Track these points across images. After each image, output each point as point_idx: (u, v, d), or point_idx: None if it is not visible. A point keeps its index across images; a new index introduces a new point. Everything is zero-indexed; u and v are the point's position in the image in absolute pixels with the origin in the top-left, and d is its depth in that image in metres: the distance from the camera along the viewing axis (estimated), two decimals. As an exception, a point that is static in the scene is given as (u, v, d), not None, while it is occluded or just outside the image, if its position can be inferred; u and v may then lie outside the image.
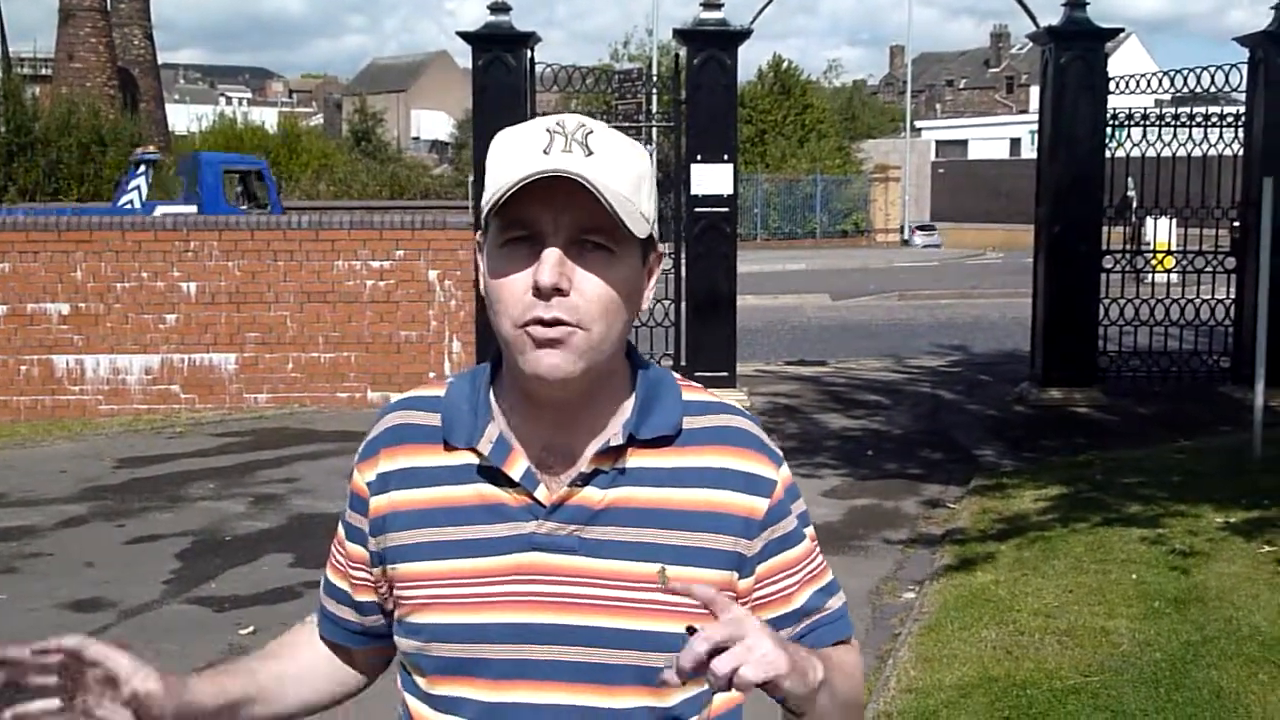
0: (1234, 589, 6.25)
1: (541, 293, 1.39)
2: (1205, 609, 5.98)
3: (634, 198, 1.42)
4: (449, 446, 1.51)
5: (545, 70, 12.65)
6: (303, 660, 1.71)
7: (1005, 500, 8.51)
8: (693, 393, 1.56)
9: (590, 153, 1.40)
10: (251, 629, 6.33)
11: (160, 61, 42.83)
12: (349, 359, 12.54)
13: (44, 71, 38.64)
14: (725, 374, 12.28)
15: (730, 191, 12.37)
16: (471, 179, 15.47)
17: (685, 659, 1.25)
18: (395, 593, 1.54)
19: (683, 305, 12.56)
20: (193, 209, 21.97)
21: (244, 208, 23.20)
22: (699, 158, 12.28)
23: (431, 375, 12.23)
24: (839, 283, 27.31)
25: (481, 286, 1.47)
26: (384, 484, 1.54)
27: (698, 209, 12.34)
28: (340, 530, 1.63)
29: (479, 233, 1.50)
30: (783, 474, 1.54)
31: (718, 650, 1.25)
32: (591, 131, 1.42)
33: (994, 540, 7.47)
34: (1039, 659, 5.49)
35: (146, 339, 12.44)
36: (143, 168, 23.40)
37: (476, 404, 1.52)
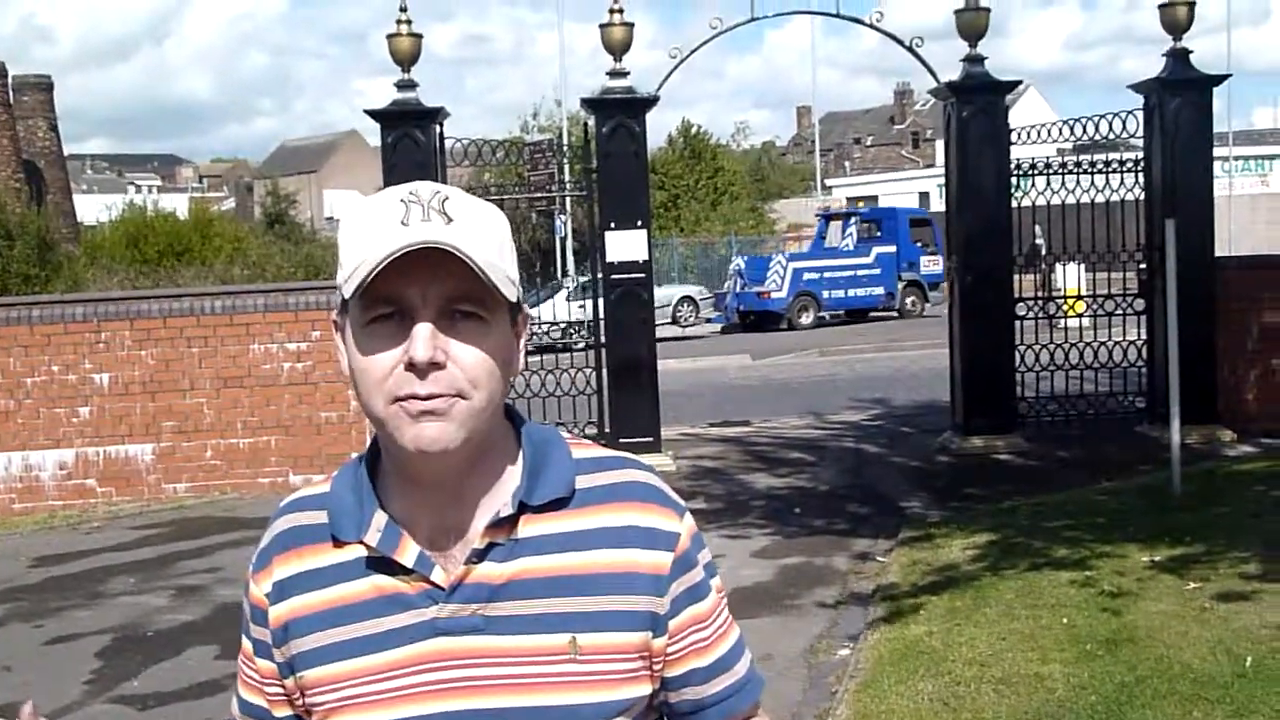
0: (1163, 627, 6.30)
1: (417, 369, 1.34)
2: (1137, 649, 6.02)
3: (500, 262, 1.38)
4: (338, 542, 1.47)
5: (455, 145, 12.68)
6: None
7: (934, 550, 8.54)
8: (583, 449, 1.52)
9: (450, 220, 1.36)
10: (177, 726, 6.16)
11: (67, 152, 42.38)
12: (269, 443, 12.37)
13: (-54, 167, 38.06)
14: (650, 439, 12.27)
15: (645, 257, 12.43)
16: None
17: None
18: (307, 700, 1.48)
19: (604, 372, 12.56)
20: (893, 248, 32.31)
21: (921, 246, 33.02)
22: (612, 225, 12.34)
23: (353, 456, 12.08)
24: (759, 343, 27.46)
25: (344, 367, 1.42)
26: (281, 592, 1.49)
27: (614, 276, 12.38)
28: (247, 644, 1.57)
29: (334, 312, 1.45)
30: (686, 524, 1.50)
31: None
32: (448, 198, 1.38)
33: (925, 592, 7.49)
34: (976, 709, 5.49)
35: (59, 433, 12.18)
36: (849, 219, 34.00)
37: (361, 494, 1.47)
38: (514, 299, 1.41)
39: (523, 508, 1.43)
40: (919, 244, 33.26)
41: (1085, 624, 6.46)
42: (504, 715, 1.40)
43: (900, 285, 32.70)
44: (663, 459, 12.11)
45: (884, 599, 7.57)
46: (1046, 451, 12.31)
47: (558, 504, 1.45)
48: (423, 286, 1.34)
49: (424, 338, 1.34)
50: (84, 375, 12.21)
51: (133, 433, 12.26)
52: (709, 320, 33.56)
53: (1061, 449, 12.41)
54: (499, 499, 1.44)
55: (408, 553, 1.43)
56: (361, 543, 1.45)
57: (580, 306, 15.54)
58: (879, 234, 33.32)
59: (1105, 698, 5.45)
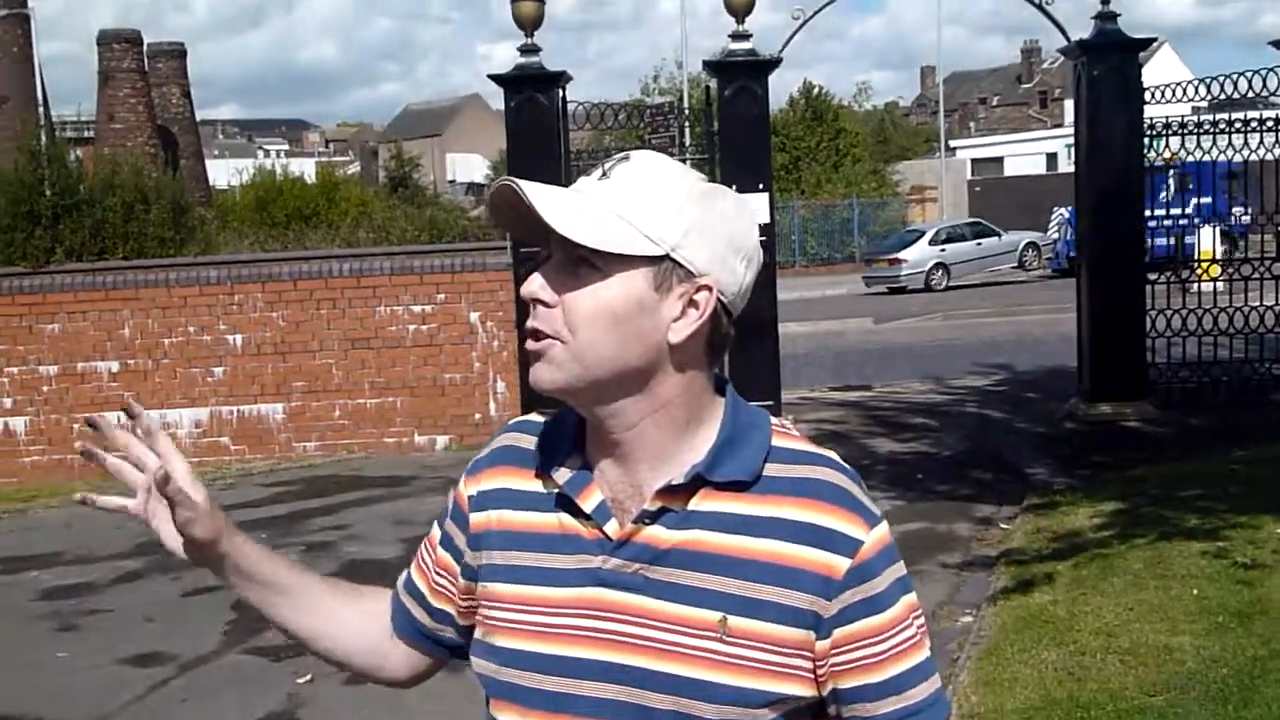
0: (1298, 600, 6.14)
1: (529, 306, 1.46)
2: (1271, 622, 5.88)
3: (628, 215, 1.41)
4: (539, 472, 1.54)
5: (577, 108, 12.71)
6: (359, 608, 1.73)
7: (1060, 518, 8.41)
8: (787, 439, 1.51)
9: (605, 177, 1.44)
10: (309, 677, 6.34)
11: (199, 118, 43.39)
12: (395, 404, 12.60)
13: (86, 134, 39.15)
14: (770, 402, 12.23)
15: (767, 220, 12.36)
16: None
17: None
18: (482, 611, 1.56)
19: (725, 336, 12.53)
20: (1209, 199, 26.40)
21: (1232, 198, 29.10)
22: (734, 188, 12.25)
23: (477, 417, 12.28)
24: (881, 306, 27.22)
25: None
26: (483, 501, 1.58)
27: (736, 239, 12.32)
28: (435, 533, 1.67)
29: None
30: (876, 534, 1.45)
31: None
32: (626, 159, 1.46)
33: (1050, 559, 7.39)
34: (1102, 679, 5.42)
35: (195, 392, 12.56)
36: (1168, 172, 31.26)
37: (569, 433, 1.54)
38: (631, 253, 1.41)
39: (699, 481, 1.45)
40: (1229, 196, 33.67)
41: (1217, 596, 6.32)
42: (645, 676, 1.43)
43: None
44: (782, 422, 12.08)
45: (1008, 566, 7.49)
46: (1177, 419, 12.02)
47: (739, 486, 1.45)
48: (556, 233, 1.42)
49: (534, 275, 1.45)
50: (218, 336, 12.56)
51: (264, 392, 12.59)
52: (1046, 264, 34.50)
53: (1193, 417, 12.10)
54: (678, 467, 1.46)
55: (590, 499, 1.48)
56: (552, 479, 1.52)
57: None
58: (1191, 186, 33.55)
59: (1237, 671, 5.34)
